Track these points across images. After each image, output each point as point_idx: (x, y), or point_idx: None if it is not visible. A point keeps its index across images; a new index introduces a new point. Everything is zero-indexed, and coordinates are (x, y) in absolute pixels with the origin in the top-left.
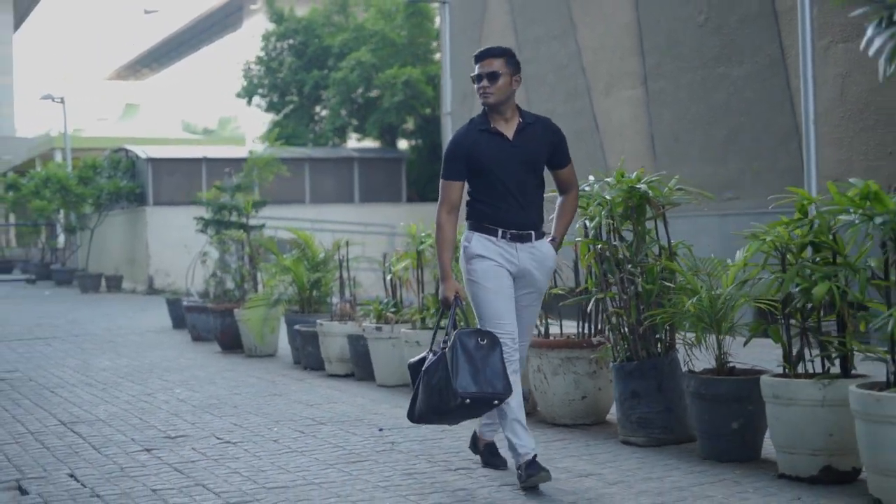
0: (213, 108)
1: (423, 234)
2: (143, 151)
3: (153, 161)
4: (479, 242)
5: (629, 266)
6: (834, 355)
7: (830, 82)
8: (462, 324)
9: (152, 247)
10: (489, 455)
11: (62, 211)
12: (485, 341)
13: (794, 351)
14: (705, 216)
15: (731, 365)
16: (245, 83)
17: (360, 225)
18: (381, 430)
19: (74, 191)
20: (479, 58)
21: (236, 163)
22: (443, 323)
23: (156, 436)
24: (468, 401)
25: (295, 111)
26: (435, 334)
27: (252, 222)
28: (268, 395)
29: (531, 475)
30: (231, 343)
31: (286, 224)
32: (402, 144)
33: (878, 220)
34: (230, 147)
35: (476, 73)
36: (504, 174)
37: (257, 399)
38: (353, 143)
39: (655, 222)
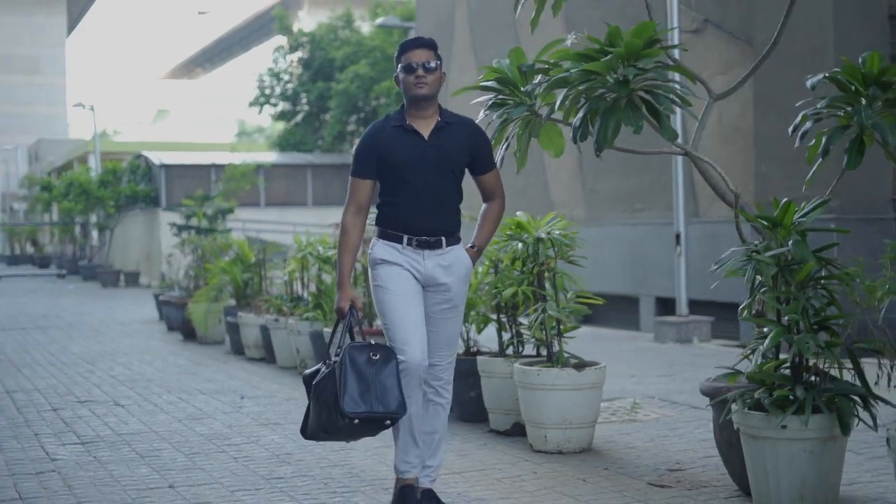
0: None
1: (305, 242)
2: (157, 158)
3: (166, 167)
4: (383, 249)
5: None
6: (524, 341)
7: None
8: (358, 337)
9: (164, 245)
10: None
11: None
12: (377, 356)
13: (504, 338)
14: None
15: (476, 349)
16: (258, 93)
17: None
18: (242, 397)
19: (95, 194)
20: (410, 47)
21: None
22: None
23: (70, 401)
24: (356, 421)
25: (303, 119)
26: (329, 345)
27: (220, 227)
28: (184, 373)
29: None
30: (191, 332)
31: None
32: None
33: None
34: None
35: (408, 63)
36: (415, 175)
37: (173, 376)
38: None
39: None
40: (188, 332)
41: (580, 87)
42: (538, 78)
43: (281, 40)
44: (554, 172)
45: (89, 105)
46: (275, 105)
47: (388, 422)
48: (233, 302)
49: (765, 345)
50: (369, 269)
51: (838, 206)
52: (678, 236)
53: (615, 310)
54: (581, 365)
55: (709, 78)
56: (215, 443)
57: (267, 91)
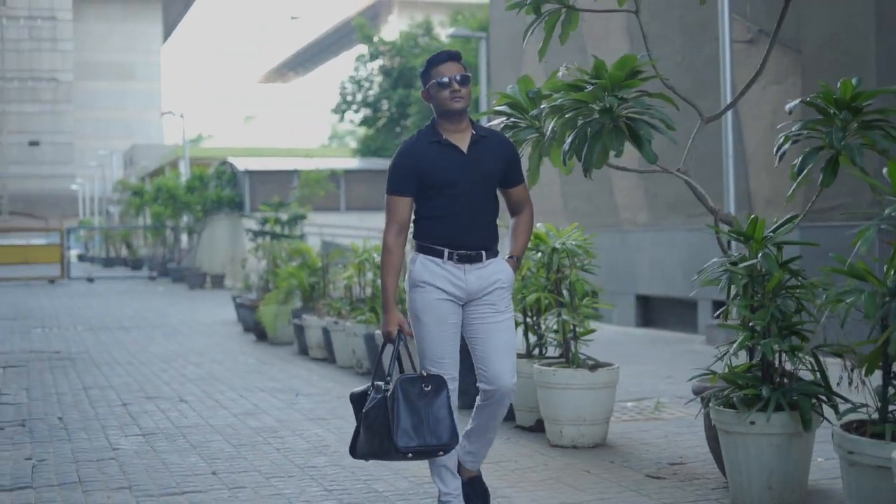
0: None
1: (361, 249)
2: (242, 164)
3: (250, 173)
4: (424, 266)
5: None
6: (547, 343)
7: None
8: (406, 363)
9: (247, 249)
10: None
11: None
12: (429, 387)
13: (531, 341)
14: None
15: None
16: (340, 99)
17: None
18: (297, 395)
19: (182, 199)
20: (439, 61)
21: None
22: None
23: (139, 396)
24: (410, 455)
25: (384, 126)
26: (376, 368)
27: (296, 232)
28: (250, 372)
29: None
30: (263, 333)
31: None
32: None
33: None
34: (331, 159)
35: (440, 77)
36: (456, 189)
37: (239, 374)
38: None
39: None
40: (260, 334)
41: (568, 115)
42: (543, 103)
43: (364, 48)
44: (619, 178)
45: (179, 113)
46: (356, 111)
47: (441, 452)
48: (300, 305)
49: (732, 348)
50: (407, 288)
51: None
52: (729, 242)
53: (675, 313)
54: (595, 366)
55: (764, 86)
56: (262, 435)
57: (349, 98)
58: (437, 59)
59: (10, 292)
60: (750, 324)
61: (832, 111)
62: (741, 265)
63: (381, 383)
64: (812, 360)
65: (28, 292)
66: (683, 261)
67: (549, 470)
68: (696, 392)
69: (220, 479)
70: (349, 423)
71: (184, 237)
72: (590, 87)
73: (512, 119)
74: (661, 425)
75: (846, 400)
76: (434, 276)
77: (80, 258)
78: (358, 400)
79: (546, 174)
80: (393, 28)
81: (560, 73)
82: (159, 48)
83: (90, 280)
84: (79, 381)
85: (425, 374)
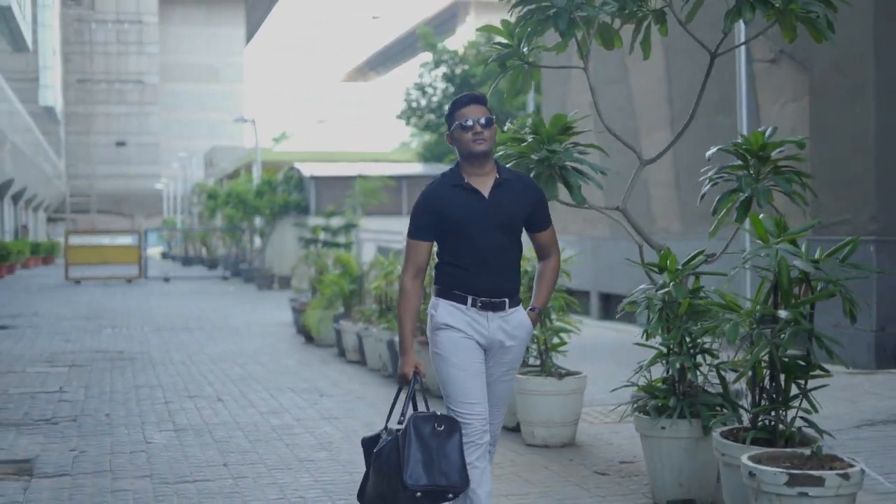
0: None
1: (387, 262)
2: (308, 170)
3: (315, 178)
4: (446, 311)
5: None
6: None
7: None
8: (421, 404)
9: (299, 256)
10: None
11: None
12: (442, 427)
13: None
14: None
15: None
16: (405, 106)
17: None
18: (321, 395)
19: (252, 203)
20: (462, 104)
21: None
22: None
23: (182, 395)
24: (419, 494)
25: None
26: (391, 411)
27: (346, 240)
28: (287, 373)
29: None
30: (310, 336)
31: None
32: None
33: None
34: (395, 164)
35: (463, 120)
36: (477, 234)
37: (276, 375)
38: None
39: None
40: (308, 336)
41: (511, 164)
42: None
43: (429, 55)
44: (655, 189)
45: (251, 119)
46: (420, 117)
47: (451, 495)
48: (342, 310)
49: (645, 364)
50: (429, 333)
51: (878, 229)
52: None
53: None
54: (565, 375)
55: (783, 105)
56: (278, 432)
57: (413, 104)
58: (460, 102)
59: (90, 292)
60: (660, 343)
61: (748, 158)
62: (658, 293)
63: (393, 427)
64: (718, 374)
65: (106, 292)
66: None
67: (513, 466)
68: (634, 400)
69: (228, 469)
70: (359, 423)
71: (256, 239)
72: (529, 140)
73: None
74: (632, 427)
75: (746, 409)
76: (457, 319)
77: (164, 256)
78: (369, 444)
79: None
80: (470, 29)
81: (506, 127)
82: (242, 50)
83: (166, 280)
84: (133, 380)
85: (438, 414)
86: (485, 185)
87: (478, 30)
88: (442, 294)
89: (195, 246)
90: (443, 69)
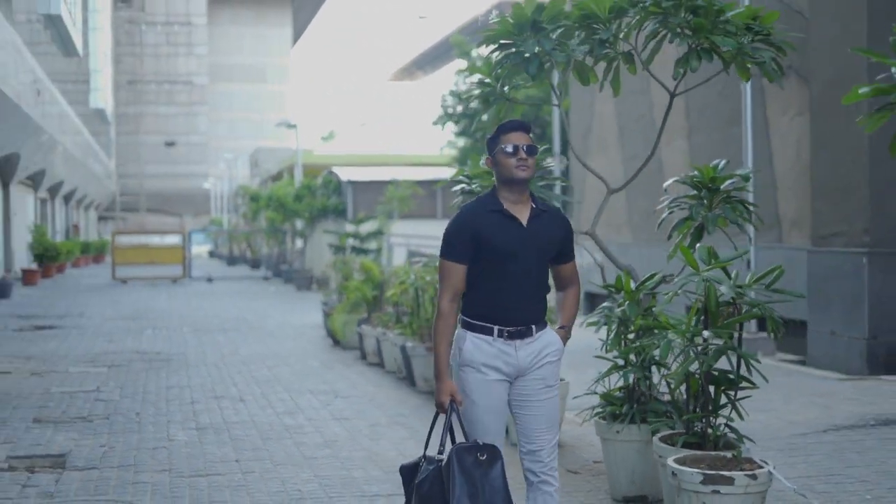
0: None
1: (402, 272)
2: (345, 175)
3: (352, 183)
4: (473, 345)
5: None
6: None
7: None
8: (459, 432)
9: (327, 263)
10: None
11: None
12: (484, 456)
13: None
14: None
15: None
16: (441, 112)
17: None
18: (336, 397)
19: (291, 207)
20: (509, 129)
21: (422, 185)
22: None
23: (208, 396)
24: None
25: (482, 138)
26: (429, 438)
27: (374, 245)
28: (309, 374)
29: None
30: (337, 339)
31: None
32: None
33: None
34: (431, 168)
35: (509, 145)
36: (513, 262)
37: (298, 377)
38: None
39: None
40: (336, 339)
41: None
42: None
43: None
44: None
45: (294, 123)
46: (457, 122)
47: None
48: (365, 315)
49: (600, 375)
50: (454, 365)
51: (870, 241)
52: (749, 262)
53: None
54: None
55: (791, 118)
56: (290, 431)
57: (449, 110)
58: (506, 127)
59: (135, 292)
60: (615, 357)
61: (700, 189)
62: (616, 310)
63: (433, 455)
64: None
65: (150, 292)
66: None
67: None
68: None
69: (239, 465)
70: (365, 423)
71: (298, 240)
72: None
73: (464, 185)
74: None
75: (689, 415)
76: (485, 355)
77: (211, 255)
78: (409, 472)
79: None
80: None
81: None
82: (289, 50)
83: (209, 280)
84: (165, 380)
85: (480, 444)
86: (522, 213)
87: (458, 71)
88: (468, 326)
89: (240, 246)
90: (477, 77)
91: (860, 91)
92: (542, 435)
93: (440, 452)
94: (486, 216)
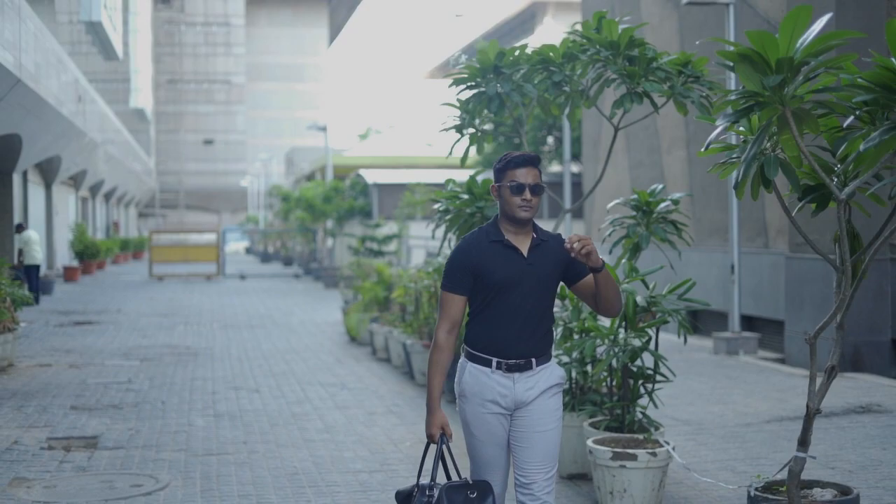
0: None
1: (406, 276)
2: (371, 177)
3: (378, 185)
4: (472, 377)
5: None
6: None
7: None
8: (451, 466)
9: (344, 265)
10: None
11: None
12: (475, 494)
13: None
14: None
15: None
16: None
17: None
18: (342, 388)
19: (319, 208)
20: (517, 164)
21: (439, 187)
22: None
23: (227, 387)
24: None
25: (505, 139)
26: (421, 467)
27: (395, 247)
28: (321, 368)
29: None
30: (354, 336)
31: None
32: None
33: None
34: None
35: (514, 181)
36: (514, 294)
37: (311, 371)
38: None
39: None
40: (352, 336)
41: (450, 217)
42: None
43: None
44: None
45: (324, 125)
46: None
47: None
48: (377, 314)
49: None
50: (457, 390)
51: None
52: (732, 266)
53: (713, 322)
54: None
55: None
56: (295, 418)
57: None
58: (515, 161)
59: (171, 289)
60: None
61: (638, 210)
62: (564, 314)
63: (426, 484)
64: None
65: (185, 289)
66: (719, 277)
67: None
68: None
69: (246, 446)
70: (364, 412)
71: (329, 239)
72: (465, 198)
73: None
74: None
75: (624, 407)
76: (483, 387)
77: (247, 251)
78: (404, 500)
79: (622, 191)
80: (548, 30)
81: (448, 187)
82: (325, 50)
83: (242, 278)
84: (191, 373)
85: (470, 482)
86: (523, 243)
87: (442, 104)
88: (469, 356)
89: (274, 243)
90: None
91: (711, 146)
92: (536, 469)
93: (431, 487)
94: (486, 247)
